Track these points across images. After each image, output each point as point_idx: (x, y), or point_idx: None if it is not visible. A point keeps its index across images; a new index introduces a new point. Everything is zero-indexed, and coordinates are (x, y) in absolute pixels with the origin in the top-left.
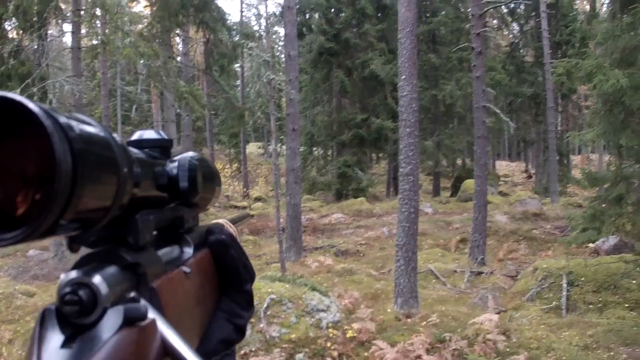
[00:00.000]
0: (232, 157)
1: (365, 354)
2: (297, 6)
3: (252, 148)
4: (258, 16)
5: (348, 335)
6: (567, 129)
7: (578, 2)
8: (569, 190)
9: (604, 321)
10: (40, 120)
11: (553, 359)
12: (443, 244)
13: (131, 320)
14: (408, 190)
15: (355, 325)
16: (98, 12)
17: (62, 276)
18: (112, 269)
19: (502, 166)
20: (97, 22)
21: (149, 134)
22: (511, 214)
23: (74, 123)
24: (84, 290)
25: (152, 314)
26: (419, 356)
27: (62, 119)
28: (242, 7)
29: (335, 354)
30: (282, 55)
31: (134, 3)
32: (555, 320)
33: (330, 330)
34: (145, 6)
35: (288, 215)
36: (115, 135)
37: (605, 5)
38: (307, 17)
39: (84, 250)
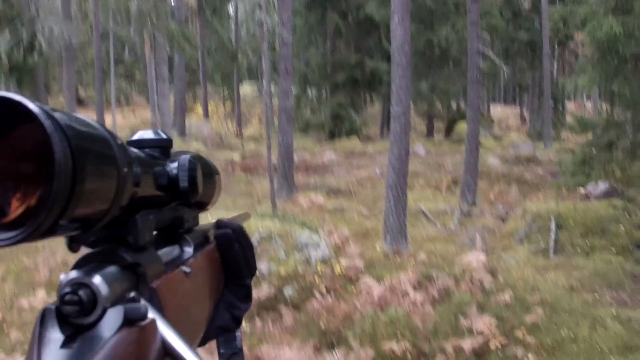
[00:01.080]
0: (225, 97)
1: (353, 289)
2: None
3: (247, 89)
4: None
5: (336, 271)
6: (562, 75)
7: None
8: (563, 136)
9: (591, 264)
10: (39, 120)
11: (537, 298)
12: (434, 185)
13: (131, 320)
14: (399, 131)
15: (344, 262)
16: None
17: (62, 276)
18: (112, 269)
19: (497, 110)
20: None
21: (149, 134)
22: (504, 157)
23: (73, 123)
24: (84, 290)
25: (152, 314)
26: (406, 292)
27: (62, 119)
28: None
29: (323, 289)
30: None
31: None
32: (542, 261)
33: (319, 266)
34: None
35: (280, 154)
36: (115, 134)
37: None
38: None
39: (84, 250)
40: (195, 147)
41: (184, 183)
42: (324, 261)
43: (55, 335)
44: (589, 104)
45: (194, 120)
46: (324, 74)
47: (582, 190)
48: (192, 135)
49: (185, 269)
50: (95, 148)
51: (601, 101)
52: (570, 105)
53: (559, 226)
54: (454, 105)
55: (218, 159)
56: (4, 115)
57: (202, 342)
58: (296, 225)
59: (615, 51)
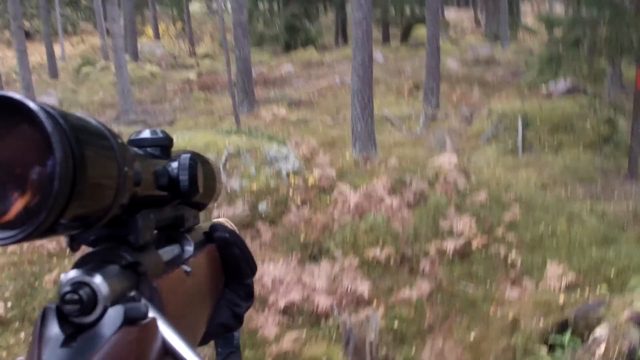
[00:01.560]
0: (175, 17)
1: (328, 199)
2: None
3: (196, 6)
4: None
5: (309, 182)
6: None
7: None
8: (520, 36)
9: (560, 160)
10: (40, 119)
11: (512, 196)
12: (396, 90)
13: (132, 319)
14: (361, 37)
15: (316, 172)
16: None
17: (63, 275)
18: (112, 268)
19: (451, 13)
20: None
21: (150, 133)
22: (463, 60)
23: (74, 122)
24: (85, 289)
25: (152, 313)
26: (382, 198)
27: (62, 118)
28: None
29: (298, 201)
30: None
31: None
32: (512, 160)
33: (291, 178)
34: None
35: (238, 69)
36: (116, 133)
37: None
38: None
39: (84, 249)
40: (150, 69)
41: (184, 182)
42: (295, 173)
43: (55, 334)
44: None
45: (146, 42)
46: None
47: (544, 89)
48: (145, 57)
49: (186, 268)
50: (95, 147)
51: (561, 2)
52: (524, 4)
53: (525, 125)
54: (407, 10)
55: (174, 79)
56: (4, 115)
57: (204, 341)
58: (263, 140)
59: None
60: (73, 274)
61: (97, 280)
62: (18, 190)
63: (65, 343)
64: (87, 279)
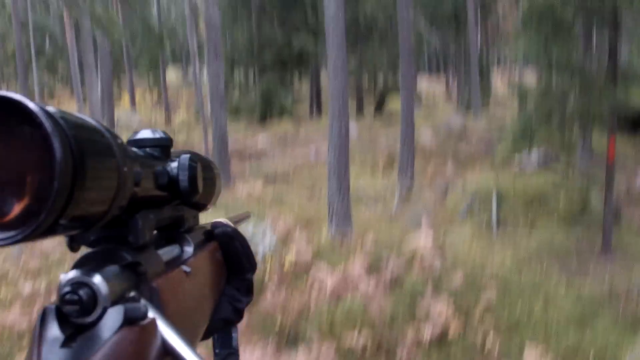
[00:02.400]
0: (151, 84)
1: (306, 279)
2: None
3: (172, 75)
4: None
5: (286, 263)
6: (486, 45)
7: None
8: (491, 103)
9: (535, 236)
10: (39, 119)
11: (489, 275)
12: (371, 164)
13: (131, 319)
14: (338, 108)
15: (293, 251)
16: None
17: (62, 275)
18: (112, 269)
19: (423, 81)
20: None
21: (149, 134)
22: (436, 131)
23: (73, 122)
24: (84, 289)
25: (152, 314)
26: (359, 280)
27: (62, 118)
28: None
29: (275, 283)
30: None
31: None
32: (487, 236)
33: (267, 260)
34: None
35: (215, 141)
36: (116, 134)
37: None
38: None
39: (84, 250)
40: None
41: (184, 182)
42: (272, 252)
43: (55, 335)
44: (514, 71)
45: (122, 110)
46: (251, 54)
47: (517, 162)
48: (122, 125)
49: (186, 268)
50: (95, 147)
51: (529, 69)
52: (495, 73)
53: (499, 200)
54: (381, 79)
55: None
56: (4, 115)
57: (205, 336)
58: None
59: (551, 17)
60: (73, 274)
61: (97, 280)
62: (17, 191)
63: (64, 343)
64: (86, 279)
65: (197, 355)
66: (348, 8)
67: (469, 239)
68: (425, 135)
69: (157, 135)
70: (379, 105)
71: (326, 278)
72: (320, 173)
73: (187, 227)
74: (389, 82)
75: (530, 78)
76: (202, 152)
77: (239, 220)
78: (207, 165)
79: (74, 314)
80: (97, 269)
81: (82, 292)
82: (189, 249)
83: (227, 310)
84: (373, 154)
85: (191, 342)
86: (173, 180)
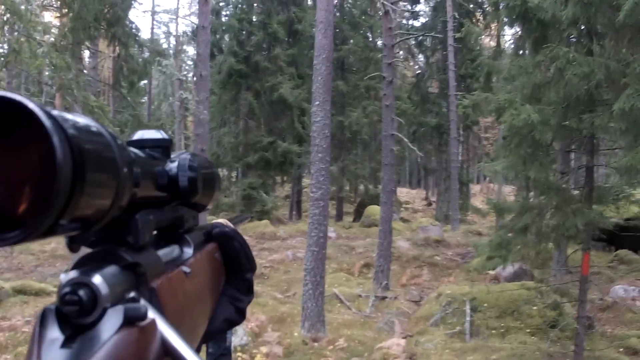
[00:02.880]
0: None
1: None
2: (210, 26)
3: None
4: (168, 34)
5: None
6: (467, 159)
7: (484, 37)
8: (469, 218)
9: (507, 346)
10: (40, 120)
11: None
12: (347, 269)
13: (131, 320)
14: (318, 215)
15: (263, 349)
16: (8, 18)
17: (62, 276)
18: (112, 269)
19: (403, 193)
20: (7, 29)
21: (149, 134)
22: (413, 240)
23: (74, 123)
24: (84, 290)
25: (152, 314)
26: None
27: (62, 119)
28: (152, 24)
29: None
30: (191, 75)
31: (43, 12)
32: (459, 345)
33: (238, 354)
34: (56, 16)
35: None
36: (115, 135)
37: (509, 43)
38: (218, 38)
39: (84, 250)
40: None
41: (183, 183)
42: (243, 348)
43: (55, 335)
44: (494, 186)
45: None
46: (236, 154)
47: (492, 272)
48: None
49: (185, 269)
50: (95, 148)
51: (511, 185)
52: (474, 187)
53: (473, 309)
54: (361, 188)
55: None
56: (4, 115)
57: (209, 337)
58: None
59: (530, 138)
60: (72, 274)
61: (97, 281)
62: (18, 192)
63: (64, 344)
64: (86, 279)
65: (197, 355)
66: (334, 117)
67: (442, 346)
68: (402, 242)
69: (157, 136)
70: (358, 213)
71: None
72: (295, 273)
73: (187, 227)
74: (369, 190)
75: (509, 194)
76: None
77: (238, 221)
78: (206, 166)
79: (74, 314)
80: (97, 269)
81: (82, 293)
82: (188, 250)
83: (229, 310)
84: (350, 257)
85: (191, 343)
86: (173, 181)
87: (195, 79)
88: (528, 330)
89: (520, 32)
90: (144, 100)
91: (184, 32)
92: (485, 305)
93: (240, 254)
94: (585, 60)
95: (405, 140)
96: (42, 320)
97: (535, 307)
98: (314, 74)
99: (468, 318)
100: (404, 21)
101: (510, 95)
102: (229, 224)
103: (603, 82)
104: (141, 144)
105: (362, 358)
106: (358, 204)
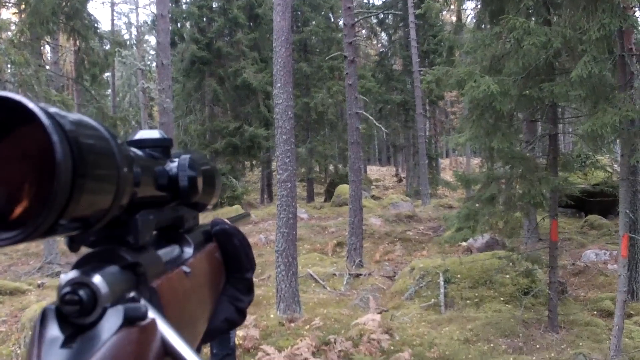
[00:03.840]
0: None
1: None
2: (170, 14)
3: None
4: (129, 25)
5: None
6: (435, 134)
7: (445, 13)
8: (439, 192)
9: (482, 315)
10: (39, 119)
11: (436, 354)
12: (320, 248)
13: (131, 320)
14: (286, 197)
15: (240, 332)
16: None
17: (62, 276)
18: (112, 269)
19: (373, 171)
20: None
21: (149, 134)
22: (385, 217)
23: (73, 123)
24: (84, 290)
25: (152, 314)
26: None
27: (62, 119)
28: (112, 16)
29: None
30: (154, 64)
31: (0, 10)
32: (435, 316)
33: None
34: (14, 13)
35: None
36: (115, 134)
37: (470, 17)
38: (179, 26)
39: (84, 250)
40: None
41: (183, 183)
42: None
43: (55, 335)
44: (461, 159)
45: None
46: (203, 141)
47: (464, 243)
48: None
49: (185, 268)
50: (95, 148)
51: (479, 157)
52: (444, 161)
53: (447, 281)
54: (331, 168)
55: None
56: (4, 115)
57: (210, 338)
58: None
59: (492, 109)
60: (72, 274)
61: (97, 280)
62: (18, 191)
63: (64, 344)
64: (86, 279)
65: (197, 355)
66: (299, 99)
67: (417, 319)
68: (374, 219)
69: (157, 136)
70: (329, 193)
71: (274, 357)
72: (269, 257)
73: (187, 227)
74: (339, 170)
75: (478, 166)
76: None
77: (238, 219)
78: (206, 165)
79: (74, 314)
80: (97, 269)
81: (82, 293)
82: (188, 250)
83: (229, 310)
84: (323, 237)
85: (191, 343)
86: (173, 181)
87: (157, 67)
88: (502, 299)
89: (479, 5)
90: (108, 93)
91: (145, 22)
92: (459, 276)
93: (241, 252)
94: (542, 30)
95: (371, 118)
96: (42, 320)
97: (507, 276)
98: (274, 56)
99: (442, 290)
100: (365, 0)
101: (469, 67)
102: (228, 222)
103: (562, 51)
104: (141, 143)
105: (338, 335)
106: (328, 184)
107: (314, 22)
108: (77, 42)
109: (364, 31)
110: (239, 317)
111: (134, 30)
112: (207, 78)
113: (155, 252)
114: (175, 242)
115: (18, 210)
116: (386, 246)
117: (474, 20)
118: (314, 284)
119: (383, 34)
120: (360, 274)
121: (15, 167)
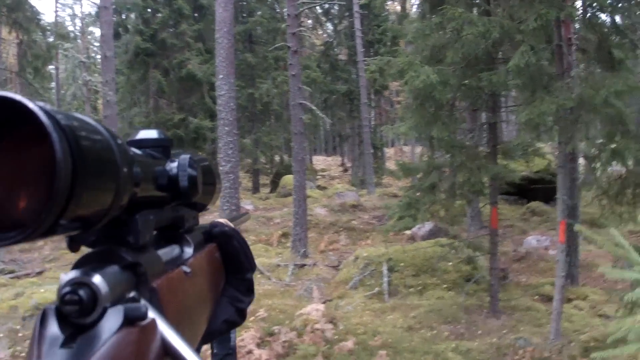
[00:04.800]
0: None
1: None
2: (113, 6)
3: None
4: (73, 16)
5: None
6: (380, 123)
7: (389, 3)
8: (384, 181)
9: (425, 302)
10: (40, 120)
11: (380, 342)
12: (265, 239)
13: (131, 319)
14: (229, 188)
15: None
16: None
17: (62, 276)
18: (112, 269)
19: (319, 161)
20: None
21: (149, 134)
22: (330, 207)
23: (74, 123)
24: (84, 289)
25: (152, 314)
26: (250, 351)
27: (62, 119)
28: (56, 7)
29: None
30: (98, 57)
31: None
32: (378, 305)
33: None
34: None
35: None
36: (115, 134)
37: (415, 7)
38: (124, 17)
39: (84, 250)
40: None
41: (183, 183)
42: None
43: (55, 335)
44: (406, 148)
45: None
46: None
47: (408, 232)
48: None
49: (185, 268)
50: (95, 148)
51: (420, 146)
52: (389, 151)
53: (390, 269)
54: (277, 159)
55: None
56: (5, 115)
57: (210, 338)
58: None
59: (432, 98)
60: (73, 274)
61: (97, 280)
62: (18, 191)
63: (64, 343)
64: (86, 279)
65: (197, 355)
66: (244, 90)
67: (361, 307)
68: (320, 209)
69: (157, 136)
70: (274, 184)
71: None
72: None
73: (187, 227)
74: (284, 161)
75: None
76: None
77: (238, 220)
78: (206, 166)
79: (74, 314)
80: (97, 269)
81: (82, 292)
82: (188, 250)
83: (229, 311)
84: (268, 228)
85: (191, 343)
86: (173, 181)
87: (100, 60)
88: (445, 286)
89: None
90: (52, 86)
91: (89, 13)
92: (402, 264)
93: (240, 253)
94: (480, 20)
95: (315, 108)
96: (42, 319)
97: (450, 263)
98: (216, 47)
99: (386, 278)
100: None
101: (410, 57)
102: (229, 223)
103: (504, 41)
104: (141, 143)
105: (283, 326)
106: (274, 175)
107: (259, 13)
108: (20, 35)
109: (309, 21)
110: (240, 317)
111: (78, 22)
112: (151, 70)
113: (155, 252)
114: (175, 242)
115: (18, 210)
116: (331, 236)
117: (419, 11)
118: (259, 275)
119: (328, 24)
120: (305, 264)
121: (15, 167)
